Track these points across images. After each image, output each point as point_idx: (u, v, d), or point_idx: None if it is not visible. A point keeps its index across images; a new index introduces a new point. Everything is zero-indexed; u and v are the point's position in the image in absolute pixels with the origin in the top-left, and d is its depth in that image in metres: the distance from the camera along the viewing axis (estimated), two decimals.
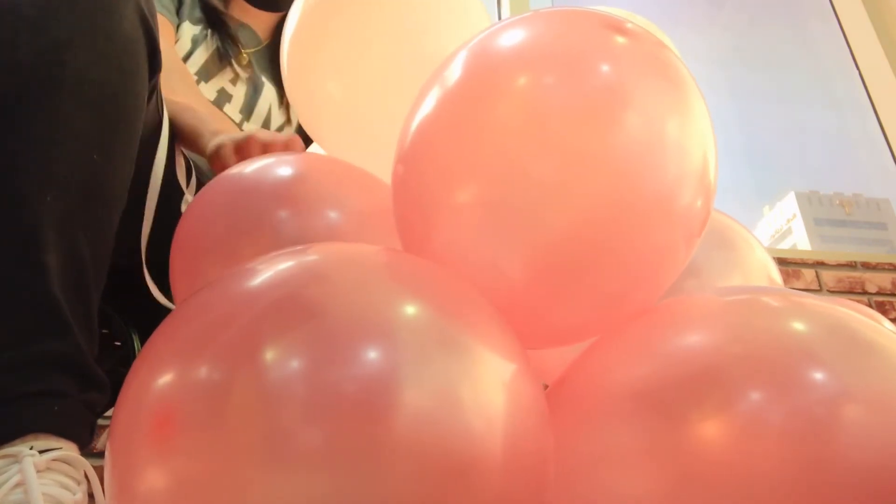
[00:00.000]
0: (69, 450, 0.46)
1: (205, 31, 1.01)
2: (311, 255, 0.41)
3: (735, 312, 0.43)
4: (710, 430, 0.38)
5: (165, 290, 0.81)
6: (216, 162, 0.74)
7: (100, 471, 0.43)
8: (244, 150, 0.72)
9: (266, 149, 0.72)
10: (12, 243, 0.47)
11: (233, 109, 1.02)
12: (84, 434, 0.48)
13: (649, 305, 0.49)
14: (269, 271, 0.38)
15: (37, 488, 0.41)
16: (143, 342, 0.75)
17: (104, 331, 0.71)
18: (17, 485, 0.42)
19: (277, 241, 0.56)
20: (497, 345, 0.39)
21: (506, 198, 0.44)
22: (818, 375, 0.37)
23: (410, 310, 0.37)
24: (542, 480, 0.40)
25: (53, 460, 0.44)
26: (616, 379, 0.44)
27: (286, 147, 0.73)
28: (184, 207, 0.77)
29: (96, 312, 0.52)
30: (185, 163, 0.82)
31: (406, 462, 0.32)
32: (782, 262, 1.60)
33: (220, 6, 1.03)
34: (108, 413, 0.58)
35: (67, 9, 0.50)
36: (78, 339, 0.48)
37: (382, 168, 0.63)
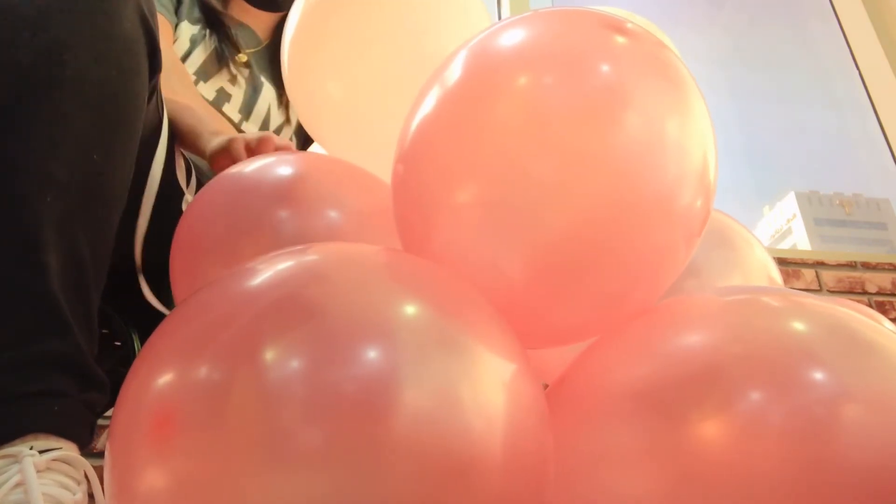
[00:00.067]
0: (69, 450, 0.46)
1: (203, 31, 1.01)
2: (311, 255, 0.41)
3: (735, 312, 0.43)
4: (710, 430, 0.38)
5: (167, 290, 0.81)
6: (218, 160, 0.74)
7: (100, 471, 0.43)
8: (258, 151, 0.72)
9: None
10: (12, 243, 0.47)
11: (232, 109, 1.02)
12: (84, 434, 0.48)
13: (649, 305, 0.49)
14: (268, 271, 0.38)
15: (37, 488, 0.41)
16: (143, 342, 0.75)
17: (104, 331, 0.71)
18: (17, 485, 0.42)
19: (277, 241, 0.56)
20: (497, 345, 0.39)
21: (506, 198, 0.44)
22: (818, 375, 0.37)
23: (410, 310, 0.37)
24: (542, 480, 0.40)
25: (53, 460, 0.44)
26: (616, 379, 0.44)
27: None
28: (184, 208, 0.77)
29: (96, 312, 0.51)
30: (185, 163, 0.82)
31: (406, 462, 0.32)
32: (782, 262, 1.60)
33: (218, 6, 1.03)
34: (108, 413, 0.58)
35: (67, 9, 0.50)
36: (78, 339, 0.48)
37: (383, 168, 0.63)
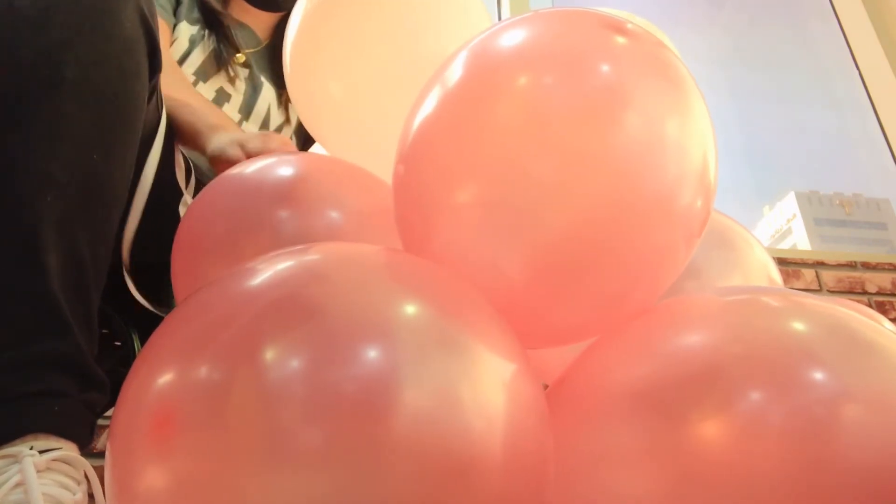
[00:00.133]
0: (69, 450, 0.46)
1: (202, 32, 1.01)
2: (311, 255, 0.41)
3: (735, 312, 0.43)
4: (710, 430, 0.38)
5: (166, 290, 0.81)
6: (218, 165, 0.74)
7: (100, 471, 0.43)
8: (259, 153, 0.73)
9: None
10: (12, 243, 0.47)
11: (231, 109, 1.02)
12: (84, 434, 0.48)
13: (649, 305, 0.49)
14: (268, 271, 0.38)
15: (37, 488, 0.41)
16: (143, 342, 0.75)
17: (104, 331, 0.71)
18: (17, 485, 0.42)
19: (278, 241, 0.56)
20: (497, 345, 0.39)
21: (506, 198, 0.44)
22: (818, 375, 0.37)
23: (410, 310, 0.37)
24: (542, 480, 0.40)
25: (53, 460, 0.44)
26: (616, 379, 0.44)
27: None
28: (182, 209, 0.77)
29: (96, 312, 0.51)
30: (185, 163, 0.82)
31: (406, 462, 0.32)
32: (782, 262, 1.60)
33: (218, 7, 1.03)
34: (108, 413, 0.58)
35: (68, 9, 0.50)
36: (78, 339, 0.48)
37: (383, 168, 0.63)
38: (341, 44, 0.71)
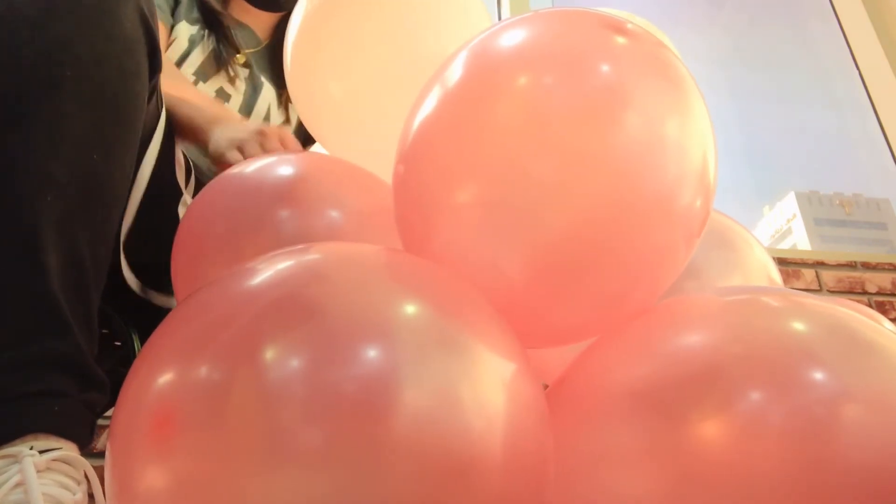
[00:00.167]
0: (69, 450, 0.46)
1: (202, 32, 1.01)
2: (311, 255, 0.41)
3: (735, 312, 0.43)
4: (710, 430, 0.38)
5: (166, 290, 0.81)
6: (220, 165, 0.74)
7: (100, 471, 0.43)
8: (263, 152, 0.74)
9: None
10: (12, 243, 0.47)
11: (231, 109, 1.02)
12: (84, 434, 0.48)
13: (649, 305, 0.49)
14: (268, 271, 0.38)
15: (37, 488, 0.41)
16: (143, 342, 0.75)
17: (104, 331, 0.71)
18: (17, 485, 0.42)
19: (278, 241, 0.56)
20: (497, 344, 0.39)
21: (506, 198, 0.44)
22: (818, 375, 0.37)
23: (410, 309, 0.37)
24: (542, 480, 0.40)
25: (53, 460, 0.44)
26: (616, 379, 0.44)
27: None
28: (181, 208, 0.77)
29: (96, 312, 0.51)
30: (185, 163, 0.82)
31: (406, 462, 0.32)
32: (782, 262, 1.60)
33: (217, 7, 1.03)
34: (108, 413, 0.58)
35: (68, 9, 0.50)
36: (78, 339, 0.48)
37: (384, 168, 0.63)
38: (342, 44, 0.71)
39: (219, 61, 1.01)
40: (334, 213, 0.60)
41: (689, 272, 0.60)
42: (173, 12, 1.01)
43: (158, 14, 0.94)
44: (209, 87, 1.00)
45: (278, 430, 0.31)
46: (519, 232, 0.44)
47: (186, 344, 0.36)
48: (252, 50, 1.07)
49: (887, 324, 0.65)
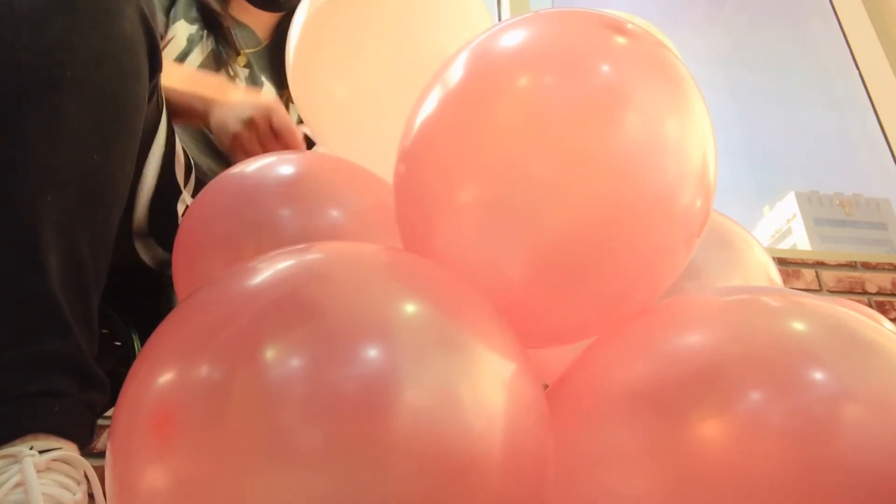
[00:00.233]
0: (69, 450, 0.46)
1: (201, 32, 1.01)
2: (312, 254, 0.41)
3: (735, 312, 0.43)
4: (710, 429, 0.38)
5: (166, 289, 0.81)
6: (235, 152, 0.76)
7: (100, 471, 0.43)
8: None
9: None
10: (12, 243, 0.47)
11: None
12: (84, 434, 0.48)
13: (649, 305, 0.49)
14: (269, 270, 0.38)
15: (37, 488, 0.41)
16: (143, 342, 0.75)
17: (104, 331, 0.71)
18: (17, 485, 0.42)
19: (279, 241, 0.56)
20: (497, 344, 0.39)
21: (506, 197, 0.44)
22: (818, 375, 0.37)
23: (410, 309, 0.37)
24: (542, 480, 0.40)
25: (53, 460, 0.44)
26: (616, 379, 0.44)
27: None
28: (181, 206, 0.77)
29: (96, 312, 0.51)
30: (186, 162, 0.81)
31: (406, 462, 0.32)
32: (782, 262, 1.60)
33: (217, 8, 1.02)
34: (108, 413, 0.58)
35: (68, 9, 0.50)
36: (78, 339, 0.48)
37: (385, 167, 0.63)
38: (344, 44, 0.71)
39: (218, 61, 1.01)
40: (335, 213, 0.60)
41: (689, 272, 0.60)
42: (169, 10, 1.01)
43: None
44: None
45: (278, 429, 0.31)
46: (519, 232, 0.44)
47: (187, 343, 0.36)
48: (252, 50, 1.07)
49: (887, 324, 0.65)
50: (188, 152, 0.83)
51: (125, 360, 0.74)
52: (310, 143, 1.13)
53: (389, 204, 0.55)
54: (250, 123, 0.78)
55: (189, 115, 0.84)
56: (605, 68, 0.45)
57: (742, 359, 0.39)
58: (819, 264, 1.62)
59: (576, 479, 0.43)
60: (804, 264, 1.62)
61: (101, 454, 0.89)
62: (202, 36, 1.01)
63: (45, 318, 0.47)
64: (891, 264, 1.65)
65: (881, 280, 1.62)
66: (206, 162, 0.95)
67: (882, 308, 1.57)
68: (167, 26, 1.00)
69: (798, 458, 0.35)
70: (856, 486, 0.34)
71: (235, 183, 0.63)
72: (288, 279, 0.38)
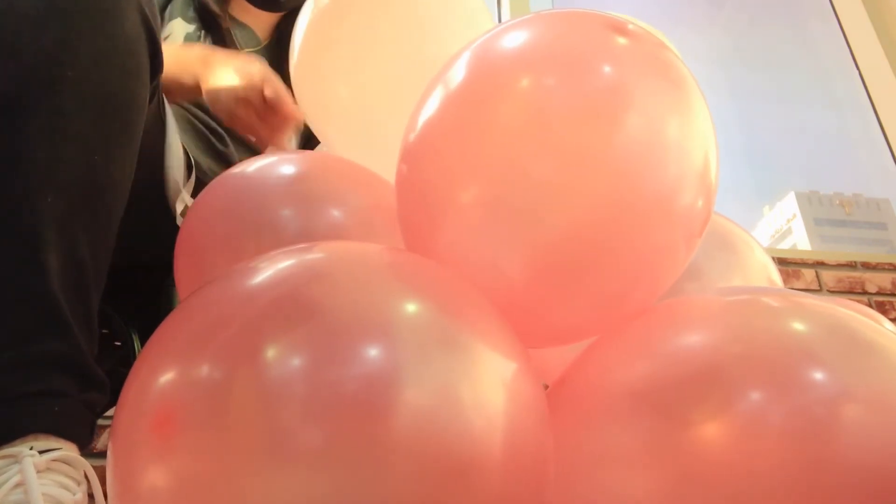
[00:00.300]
0: (69, 450, 0.46)
1: (199, 32, 1.01)
2: (313, 254, 0.41)
3: (735, 312, 0.43)
4: (710, 429, 0.38)
5: (167, 288, 0.81)
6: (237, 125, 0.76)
7: (100, 471, 0.43)
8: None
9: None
10: (12, 243, 0.47)
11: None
12: (84, 434, 0.48)
13: (649, 306, 0.49)
14: (270, 270, 0.38)
15: (37, 488, 0.41)
16: (143, 342, 0.75)
17: (104, 331, 0.71)
18: (17, 485, 0.42)
19: (280, 240, 0.56)
20: (498, 344, 0.39)
21: (507, 198, 0.44)
22: (818, 375, 0.37)
23: (411, 309, 0.37)
24: (542, 480, 0.40)
25: (53, 460, 0.44)
26: (616, 379, 0.44)
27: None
28: (180, 206, 0.77)
29: (96, 312, 0.51)
30: (186, 161, 0.81)
31: (406, 461, 0.32)
32: (782, 262, 1.60)
33: (215, 9, 1.02)
34: (108, 413, 0.58)
35: (68, 9, 0.50)
36: (78, 339, 0.48)
37: (387, 167, 0.63)
38: (347, 46, 0.71)
39: None
40: (336, 213, 0.60)
41: (690, 273, 0.60)
42: (164, 8, 1.01)
43: None
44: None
45: (279, 429, 0.31)
46: (520, 232, 0.44)
47: (187, 343, 0.36)
48: (252, 50, 1.07)
49: (887, 324, 0.65)
50: (188, 151, 0.83)
51: (125, 360, 0.74)
52: (311, 144, 1.13)
53: (391, 204, 0.55)
54: (245, 103, 0.78)
55: (179, 91, 0.83)
56: (607, 69, 0.45)
57: (742, 359, 0.39)
58: (819, 264, 1.62)
59: (576, 479, 0.43)
60: (804, 264, 1.62)
61: (101, 454, 0.89)
62: (200, 36, 1.00)
63: (45, 318, 0.47)
64: (891, 264, 1.65)
65: (881, 280, 1.62)
66: (206, 162, 0.95)
67: (882, 308, 1.57)
68: (163, 24, 0.99)
69: (798, 458, 0.35)
70: (856, 486, 0.34)
71: (237, 183, 0.63)
72: (289, 278, 0.38)
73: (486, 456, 0.34)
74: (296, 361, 0.33)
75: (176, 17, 1.00)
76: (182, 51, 0.90)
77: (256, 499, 0.31)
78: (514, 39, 0.48)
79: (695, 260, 0.54)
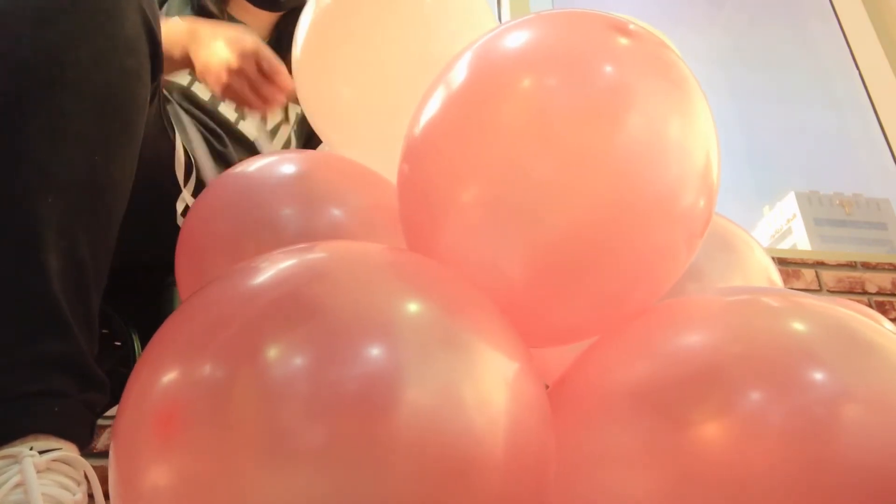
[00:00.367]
0: (69, 450, 0.46)
1: None
2: (314, 254, 0.41)
3: (735, 312, 0.43)
4: (710, 430, 0.38)
5: (167, 288, 0.81)
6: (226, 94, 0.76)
7: (100, 471, 0.43)
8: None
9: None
10: (12, 243, 0.47)
11: (227, 108, 1.01)
12: (84, 434, 0.48)
13: (650, 306, 0.49)
14: (271, 269, 0.38)
15: (37, 489, 0.41)
16: (143, 342, 0.75)
17: (104, 331, 0.71)
18: (17, 485, 0.42)
19: (281, 240, 0.56)
20: (500, 344, 0.39)
21: (509, 198, 0.44)
22: (818, 375, 0.37)
23: (413, 308, 0.37)
24: (543, 480, 0.40)
25: (53, 461, 0.44)
26: (616, 379, 0.44)
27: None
28: (180, 205, 0.77)
29: (96, 312, 0.51)
30: (186, 160, 0.81)
31: (407, 461, 0.32)
32: (782, 262, 1.60)
33: (214, 10, 1.02)
34: (109, 413, 0.58)
35: (68, 10, 0.50)
36: (78, 339, 0.48)
37: (388, 167, 0.63)
38: (349, 46, 0.71)
39: None
40: (337, 212, 0.60)
41: (691, 274, 0.60)
42: (160, 7, 1.01)
43: None
44: (205, 87, 1.00)
45: (280, 428, 0.31)
46: (521, 232, 0.44)
47: (189, 342, 0.36)
48: None
49: (887, 324, 0.65)
50: (189, 151, 0.83)
51: (125, 360, 0.74)
52: (313, 143, 1.13)
53: (392, 203, 0.55)
54: (238, 73, 0.77)
55: (169, 65, 0.83)
56: (608, 69, 0.45)
57: (742, 359, 0.39)
58: (819, 264, 1.62)
59: (576, 478, 0.43)
60: (804, 264, 1.62)
61: (102, 454, 0.89)
62: None
63: (45, 318, 0.47)
64: (891, 264, 1.65)
65: (881, 280, 1.62)
66: (206, 162, 0.95)
67: (882, 308, 1.57)
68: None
69: (798, 458, 0.35)
70: (856, 486, 0.34)
71: (237, 182, 0.63)
72: (290, 278, 0.38)
73: (487, 456, 0.34)
74: (297, 361, 0.33)
75: (173, 17, 1.00)
76: (168, 24, 0.90)
77: (258, 498, 0.31)
78: (516, 39, 0.48)
79: (695, 260, 0.54)
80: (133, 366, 0.51)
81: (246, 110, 0.88)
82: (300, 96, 0.81)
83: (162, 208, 0.75)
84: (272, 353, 0.33)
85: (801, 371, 0.38)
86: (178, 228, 0.67)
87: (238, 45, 0.78)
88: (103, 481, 0.43)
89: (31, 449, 0.43)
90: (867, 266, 1.64)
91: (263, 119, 0.94)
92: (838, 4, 2.18)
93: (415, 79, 0.62)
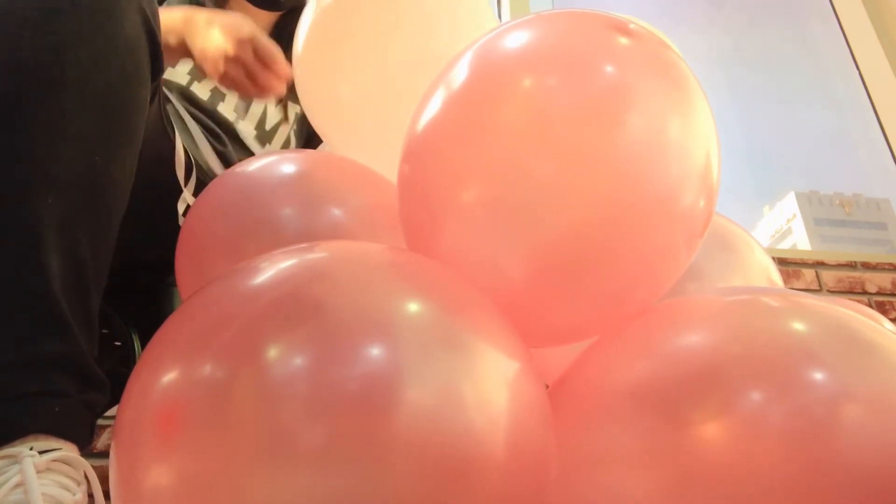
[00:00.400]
0: (69, 450, 0.46)
1: None
2: (314, 253, 0.41)
3: (735, 312, 0.43)
4: (711, 430, 0.38)
5: (167, 288, 0.81)
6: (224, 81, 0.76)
7: (100, 471, 0.43)
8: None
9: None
10: (13, 244, 0.47)
11: (227, 108, 1.01)
12: (84, 434, 0.48)
13: (650, 306, 0.49)
14: (271, 269, 0.38)
15: (37, 489, 0.41)
16: (143, 342, 0.75)
17: (104, 331, 0.71)
18: (17, 485, 0.42)
19: (282, 240, 0.56)
20: (500, 344, 0.39)
21: (509, 198, 0.44)
22: (818, 375, 0.37)
23: (413, 308, 0.37)
24: (543, 480, 0.40)
25: (53, 461, 0.44)
26: (616, 379, 0.44)
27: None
28: (181, 206, 0.77)
29: (97, 312, 0.51)
30: (186, 160, 0.81)
31: (408, 461, 0.32)
32: (782, 262, 1.60)
33: (212, 8, 1.02)
34: (109, 413, 0.58)
35: (68, 10, 0.50)
36: (78, 339, 0.48)
37: (389, 167, 0.63)
38: (350, 45, 0.71)
39: None
40: (338, 212, 0.60)
41: (691, 274, 0.60)
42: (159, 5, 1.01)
43: None
44: (203, 87, 1.00)
45: (281, 428, 0.31)
46: (521, 232, 0.44)
47: (190, 343, 0.36)
48: None
49: (887, 324, 0.65)
50: (189, 151, 0.83)
51: (125, 360, 0.74)
52: (313, 143, 1.13)
53: (393, 203, 0.55)
54: (234, 61, 0.77)
55: (165, 53, 0.83)
56: (609, 69, 0.45)
57: (742, 359, 0.39)
58: (819, 264, 1.62)
59: (576, 479, 0.43)
60: (804, 264, 1.62)
61: (102, 454, 0.89)
62: None
63: (45, 318, 0.47)
64: (891, 264, 1.65)
65: (881, 280, 1.62)
66: (207, 162, 0.95)
67: (882, 308, 1.57)
68: None
69: (798, 458, 0.35)
70: (856, 486, 0.34)
71: (237, 182, 0.63)
72: (290, 278, 0.38)
73: (488, 456, 0.34)
74: (297, 361, 0.33)
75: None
76: (163, 12, 0.90)
77: (258, 498, 0.31)
78: (516, 39, 0.48)
79: (695, 260, 0.55)
80: (133, 366, 0.51)
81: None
82: (301, 96, 0.81)
83: (162, 208, 0.75)
84: (272, 353, 0.33)
85: (802, 371, 0.38)
86: (178, 228, 0.67)
87: (234, 32, 0.77)
88: (103, 481, 0.43)
89: (31, 449, 0.43)
90: (867, 266, 1.64)
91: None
92: (838, 4, 2.18)
93: (415, 78, 0.62)
